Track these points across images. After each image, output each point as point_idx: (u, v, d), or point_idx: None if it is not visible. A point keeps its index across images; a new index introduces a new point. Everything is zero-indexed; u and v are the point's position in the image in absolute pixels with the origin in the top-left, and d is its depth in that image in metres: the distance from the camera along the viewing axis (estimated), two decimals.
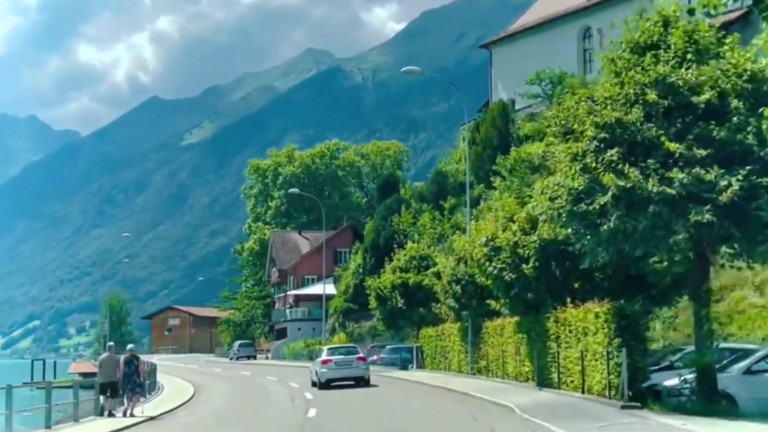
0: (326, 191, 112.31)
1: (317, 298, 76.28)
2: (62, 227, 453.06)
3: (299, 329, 79.26)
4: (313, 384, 37.59)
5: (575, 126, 20.93)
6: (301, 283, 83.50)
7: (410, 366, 48.42)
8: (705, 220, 18.43)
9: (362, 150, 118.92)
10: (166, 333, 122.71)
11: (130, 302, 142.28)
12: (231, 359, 79.87)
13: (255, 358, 76.21)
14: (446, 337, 43.49)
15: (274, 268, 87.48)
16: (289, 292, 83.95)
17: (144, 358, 34.41)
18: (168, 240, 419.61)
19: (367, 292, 53.93)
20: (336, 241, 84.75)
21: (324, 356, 37.96)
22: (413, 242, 55.95)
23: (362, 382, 36.74)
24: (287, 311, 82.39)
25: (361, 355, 39.04)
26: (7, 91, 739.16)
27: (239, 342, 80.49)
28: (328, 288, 77.82)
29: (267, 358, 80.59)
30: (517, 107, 64.80)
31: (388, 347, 54.94)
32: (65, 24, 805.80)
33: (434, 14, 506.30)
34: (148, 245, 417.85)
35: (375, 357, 54.71)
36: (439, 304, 42.68)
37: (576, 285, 26.60)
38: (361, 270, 73.80)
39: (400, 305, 49.46)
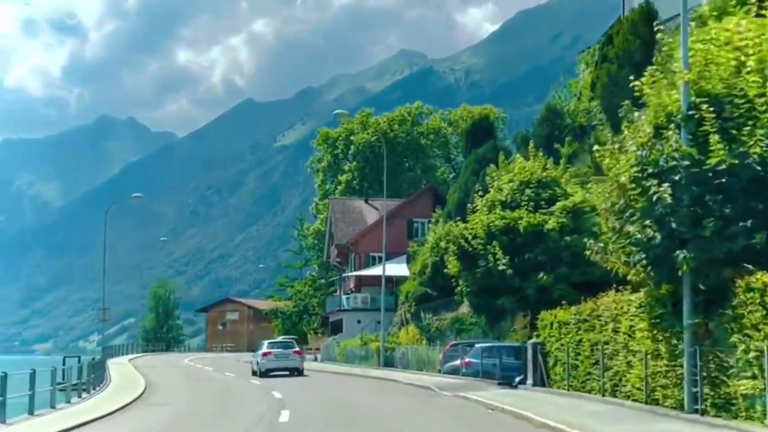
0: (406, 162, 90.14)
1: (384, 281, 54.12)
2: (158, 226, 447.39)
3: (359, 322, 56.95)
4: (254, 373, 40.62)
5: None
6: (365, 262, 61.14)
7: (520, 380, 25.67)
8: None
9: (450, 116, 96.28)
10: (220, 328, 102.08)
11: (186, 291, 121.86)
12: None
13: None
14: (609, 322, 20.04)
15: (333, 246, 65.43)
16: (346, 274, 61.71)
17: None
18: (260, 240, 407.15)
19: (443, 246, 31.48)
20: (411, 208, 62.27)
21: (264, 349, 41.24)
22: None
23: (296, 372, 39.95)
24: (344, 298, 59.97)
25: (297, 349, 42.27)
26: (108, 93, 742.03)
27: (269, 342, 52.82)
28: (399, 268, 55.45)
29: (316, 359, 58.63)
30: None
31: (478, 346, 32.25)
32: (164, 27, 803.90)
33: (529, 14, 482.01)
34: (240, 245, 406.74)
35: (458, 361, 32.45)
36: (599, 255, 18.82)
37: None
38: (441, 242, 51.72)
39: (501, 267, 26.42)
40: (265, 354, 40.34)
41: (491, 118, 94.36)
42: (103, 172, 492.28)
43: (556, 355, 23.56)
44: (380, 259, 59.01)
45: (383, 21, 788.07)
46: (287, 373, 39.34)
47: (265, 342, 42.90)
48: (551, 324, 23.96)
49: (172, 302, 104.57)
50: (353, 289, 61.09)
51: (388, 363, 43.02)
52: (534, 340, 25.13)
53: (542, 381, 24.15)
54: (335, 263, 63.31)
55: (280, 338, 54.67)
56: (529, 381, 24.80)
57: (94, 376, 31.02)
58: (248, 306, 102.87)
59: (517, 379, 25.50)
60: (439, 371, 35.85)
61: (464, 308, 46.51)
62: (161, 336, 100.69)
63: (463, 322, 45.06)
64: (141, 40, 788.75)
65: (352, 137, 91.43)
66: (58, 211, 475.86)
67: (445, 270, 34.30)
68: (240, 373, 42.96)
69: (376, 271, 57.74)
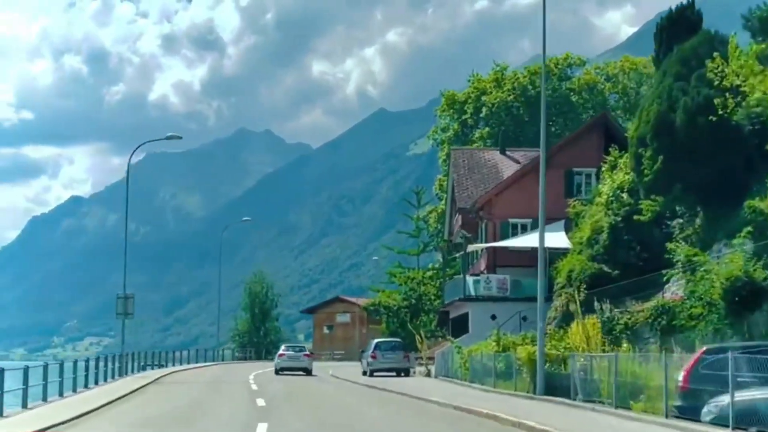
0: (552, 125, 69.73)
1: (528, 257, 34.15)
2: (293, 236, 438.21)
3: (493, 317, 36.64)
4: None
5: None
6: (501, 232, 40.58)
7: None
8: None
9: (607, 69, 74.98)
10: (326, 331, 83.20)
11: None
12: (366, 371, 39.21)
13: (406, 372, 28.79)
14: None
15: (455, 214, 45.19)
16: (472, 246, 41.15)
17: None
18: (394, 256, 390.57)
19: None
20: (570, 154, 41.55)
21: (280, 351, 46.32)
22: None
23: (306, 371, 43.38)
24: (470, 282, 39.13)
25: (307, 353, 46.18)
26: (246, 106, 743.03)
27: (377, 340, 38.10)
28: (555, 239, 35.20)
29: (428, 372, 38.79)
30: None
31: None
32: (299, 41, 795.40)
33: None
34: (373, 253, 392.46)
35: (725, 398, 11.71)
36: None
37: None
38: (623, 195, 32.09)
39: None
40: (280, 355, 44.36)
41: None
42: (241, 183, 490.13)
43: None
44: (523, 227, 38.57)
45: (516, 27, 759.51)
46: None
47: (282, 345, 44.56)
48: None
49: (271, 300, 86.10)
50: (485, 270, 40.67)
51: (553, 386, 22.47)
52: None
53: None
54: (461, 235, 42.72)
55: (375, 340, 42.65)
56: None
57: None
58: (361, 306, 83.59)
59: None
60: (679, 410, 15.40)
61: (672, 291, 26.28)
62: (258, 340, 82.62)
63: (675, 315, 24.46)
64: (277, 53, 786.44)
65: (483, 98, 71.46)
66: (198, 221, 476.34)
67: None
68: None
69: (520, 241, 37.22)
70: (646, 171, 29.71)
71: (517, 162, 45.80)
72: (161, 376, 37.83)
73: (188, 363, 64.39)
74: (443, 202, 67.50)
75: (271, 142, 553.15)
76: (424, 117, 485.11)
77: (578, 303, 28.48)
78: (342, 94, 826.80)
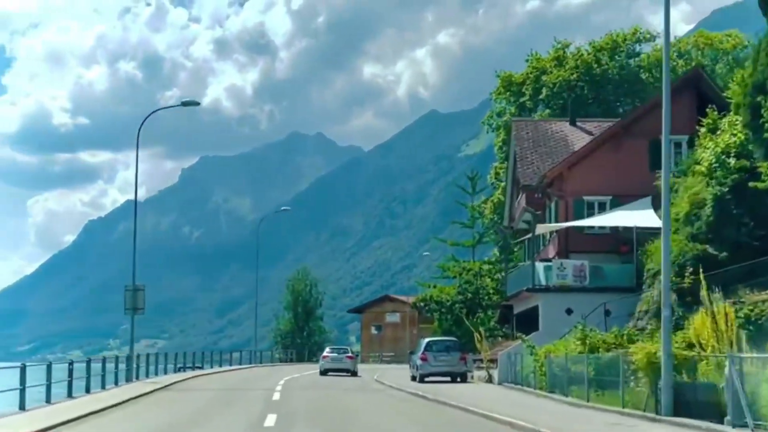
0: (619, 105, 63.03)
1: (608, 241, 27.71)
2: (346, 238, 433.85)
3: (568, 312, 30.17)
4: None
5: None
6: (575, 211, 33.97)
7: None
8: None
9: (679, 45, 67.83)
10: (375, 332, 76.90)
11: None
12: (416, 377, 33.00)
13: (462, 378, 22.77)
14: None
15: (519, 196, 38.70)
16: (542, 227, 34.49)
17: None
18: (445, 250, 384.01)
19: None
20: (653, 121, 34.77)
21: (324, 353, 45.16)
22: None
23: (350, 373, 42.35)
24: (539, 270, 32.31)
25: (350, 354, 44.70)
26: (298, 110, 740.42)
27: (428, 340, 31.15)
28: (644, 217, 28.53)
29: (488, 377, 32.27)
30: None
31: None
32: (351, 44, 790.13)
33: (726, 12, 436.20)
34: (425, 256, 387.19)
35: None
36: None
37: None
38: (730, 161, 25.43)
39: None
40: (324, 357, 43.49)
41: (738, 45, 66.26)
42: (293, 186, 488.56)
43: None
44: (601, 205, 32.00)
45: (568, 27, 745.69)
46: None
47: (327, 347, 42.20)
48: None
49: (315, 298, 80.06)
50: (555, 257, 34.16)
51: (683, 402, 15.88)
52: None
53: None
54: (529, 212, 35.89)
55: (425, 339, 35.88)
56: None
57: None
58: (411, 304, 77.40)
59: None
60: None
61: None
62: (302, 341, 76.74)
63: None
64: (328, 56, 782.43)
65: (542, 78, 64.87)
66: (251, 224, 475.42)
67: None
68: None
69: (603, 220, 30.77)
70: (767, 125, 23.11)
71: (590, 134, 39.20)
72: (176, 382, 32.05)
73: (230, 365, 59.18)
74: (499, 191, 61.50)
75: (323, 145, 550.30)
76: (475, 118, 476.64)
77: (684, 293, 21.93)
78: (393, 96, 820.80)
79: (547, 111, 63.66)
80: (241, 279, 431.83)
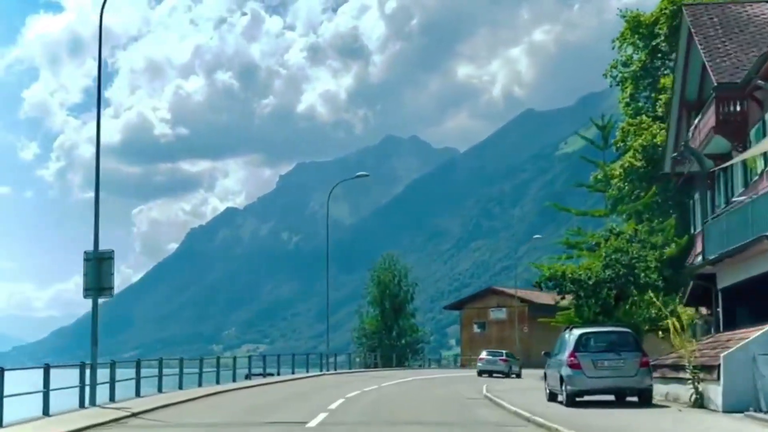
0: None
1: None
2: (443, 240, 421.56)
3: None
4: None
5: None
6: None
7: None
8: None
9: None
10: (477, 330, 63.18)
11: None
12: (561, 398, 18.06)
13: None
14: None
15: (710, 106, 24.47)
16: (755, 148, 20.28)
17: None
18: (544, 251, 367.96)
19: None
20: None
21: (480, 356, 48.38)
22: None
23: (504, 374, 45.28)
24: None
25: (504, 357, 47.13)
26: (392, 113, 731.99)
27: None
28: None
29: (698, 398, 17.83)
30: None
31: None
32: (444, 45, 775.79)
33: None
34: (524, 257, 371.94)
35: None
36: None
37: None
38: None
39: None
40: (480, 359, 49.18)
41: None
42: (389, 190, 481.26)
43: None
44: None
45: None
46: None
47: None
48: None
49: (405, 291, 66.43)
50: None
51: None
52: None
53: None
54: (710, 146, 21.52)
55: (575, 332, 21.10)
56: None
57: None
58: (522, 299, 63.19)
59: None
60: None
61: None
62: (390, 342, 63.47)
63: None
64: (422, 58, 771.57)
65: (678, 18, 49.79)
66: (348, 228, 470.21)
67: None
68: None
69: None
70: None
71: None
72: (157, 407, 19.28)
73: (306, 371, 46.89)
74: (630, 154, 47.75)
75: (418, 147, 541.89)
76: (573, 115, 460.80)
77: None
78: (488, 96, 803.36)
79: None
80: (339, 283, 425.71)
